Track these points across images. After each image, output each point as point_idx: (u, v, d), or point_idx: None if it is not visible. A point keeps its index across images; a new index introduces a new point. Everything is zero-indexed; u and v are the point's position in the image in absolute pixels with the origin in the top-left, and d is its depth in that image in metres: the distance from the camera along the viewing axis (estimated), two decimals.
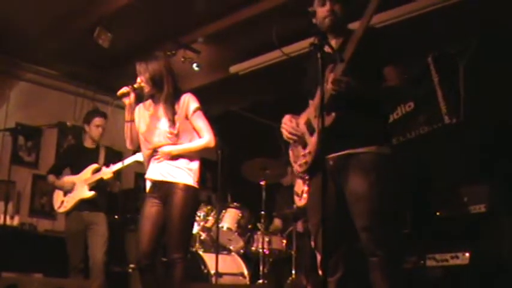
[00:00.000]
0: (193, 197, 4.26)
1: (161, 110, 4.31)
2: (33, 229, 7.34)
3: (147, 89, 4.33)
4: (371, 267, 3.24)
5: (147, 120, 4.39)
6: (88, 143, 6.14)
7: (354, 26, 3.43)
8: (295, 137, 3.58)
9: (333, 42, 3.44)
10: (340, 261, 3.36)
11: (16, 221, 7.08)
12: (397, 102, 6.61)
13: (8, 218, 6.42)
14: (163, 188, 4.23)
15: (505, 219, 5.17)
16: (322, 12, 3.45)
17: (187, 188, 4.21)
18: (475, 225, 5.26)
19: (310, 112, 3.50)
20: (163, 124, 4.28)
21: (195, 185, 4.27)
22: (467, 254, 5.07)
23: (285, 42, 5.03)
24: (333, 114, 3.24)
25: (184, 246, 4.25)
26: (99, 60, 7.55)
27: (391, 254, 3.25)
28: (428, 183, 6.11)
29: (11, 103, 7.64)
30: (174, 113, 4.26)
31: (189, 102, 4.30)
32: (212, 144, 4.32)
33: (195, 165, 4.31)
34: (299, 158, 3.57)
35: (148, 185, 4.38)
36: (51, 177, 6.12)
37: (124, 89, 4.31)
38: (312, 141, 3.43)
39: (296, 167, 3.63)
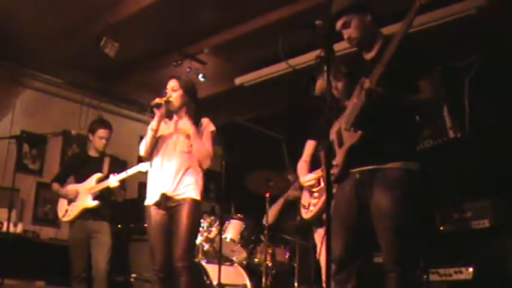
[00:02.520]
0: (198, 210, 4.52)
1: (185, 125, 4.58)
2: (36, 237, 7.33)
3: (176, 105, 4.62)
4: (388, 282, 3.23)
5: (166, 134, 4.63)
6: (92, 152, 6.15)
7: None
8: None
9: (368, 56, 3.48)
10: (352, 274, 3.36)
11: (19, 229, 7.07)
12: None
13: (11, 225, 6.43)
14: (171, 202, 4.45)
15: (508, 234, 5.16)
16: (346, 35, 3.47)
17: (193, 201, 4.45)
18: (478, 240, 5.26)
19: (342, 123, 3.48)
20: (183, 137, 4.56)
21: (199, 198, 4.52)
22: (470, 269, 5.05)
23: (290, 55, 5.05)
24: (360, 132, 3.25)
25: (188, 256, 4.43)
26: (105, 69, 7.58)
27: (410, 270, 3.24)
28: (432, 197, 6.09)
29: (17, 111, 7.66)
30: (199, 128, 4.60)
31: (208, 125, 4.67)
32: (207, 164, 4.62)
33: (200, 179, 4.59)
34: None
35: (154, 196, 4.52)
36: (55, 186, 6.12)
37: (158, 100, 4.55)
38: (340, 153, 3.45)
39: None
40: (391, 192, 3.23)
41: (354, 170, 3.36)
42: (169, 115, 4.68)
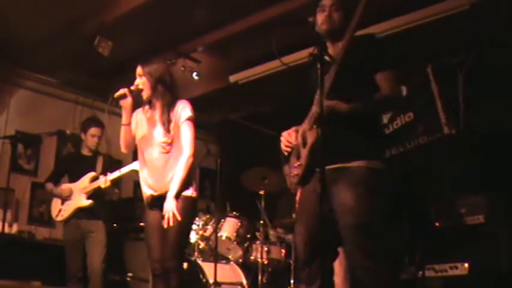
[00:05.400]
0: (190, 207, 4.25)
1: (157, 116, 4.31)
2: (31, 237, 7.31)
3: (145, 94, 4.31)
4: (358, 278, 3.24)
5: (145, 126, 4.38)
6: (86, 151, 6.16)
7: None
8: (289, 149, 3.63)
9: (332, 48, 3.47)
10: (318, 273, 3.38)
11: (14, 229, 7.05)
12: (391, 111, 6.61)
13: (6, 225, 6.41)
14: (161, 200, 4.24)
15: (503, 229, 5.17)
16: (320, 17, 3.48)
17: (184, 198, 4.21)
18: (473, 235, 5.26)
19: (306, 123, 3.52)
20: (158, 133, 4.28)
21: (192, 194, 4.27)
22: (466, 265, 5.07)
23: (284, 52, 5.05)
24: (317, 129, 3.25)
25: (179, 255, 4.25)
26: (99, 68, 7.57)
27: (379, 266, 3.25)
28: (427, 193, 6.10)
29: (11, 111, 7.63)
30: (169, 120, 4.25)
31: (182, 110, 4.28)
32: (191, 160, 4.23)
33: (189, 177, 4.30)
34: (292, 170, 3.60)
35: (144, 197, 4.38)
36: (49, 185, 6.11)
37: (121, 91, 4.27)
38: (304, 153, 3.46)
39: (291, 179, 3.66)
40: (355, 190, 3.25)
41: (319, 170, 3.32)
42: (146, 105, 4.41)
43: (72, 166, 6.14)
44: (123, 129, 4.38)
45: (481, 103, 6.09)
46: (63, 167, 6.36)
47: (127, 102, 4.28)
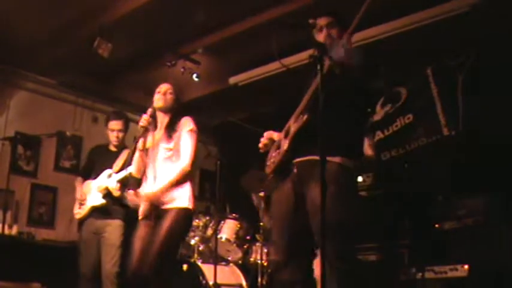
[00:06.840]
0: (184, 219, 4.32)
1: (164, 127, 4.48)
2: (31, 238, 7.30)
3: (160, 105, 4.49)
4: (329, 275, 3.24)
5: (152, 138, 4.47)
6: (111, 146, 5.90)
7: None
8: (267, 142, 3.78)
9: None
10: (298, 273, 3.39)
11: (14, 230, 7.04)
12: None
13: (6, 227, 6.40)
14: (158, 212, 4.29)
15: (503, 231, 5.17)
16: (320, 37, 3.57)
17: (179, 210, 4.27)
18: (473, 237, 5.26)
19: (292, 119, 3.60)
20: (163, 141, 4.41)
21: (189, 206, 4.33)
22: (466, 266, 5.06)
23: (284, 54, 5.05)
24: (305, 116, 3.29)
25: (158, 264, 4.15)
26: (99, 70, 7.57)
27: (347, 265, 3.27)
28: (426, 195, 6.10)
29: (11, 112, 7.62)
30: (174, 129, 4.42)
31: (185, 123, 4.46)
32: (188, 169, 4.34)
33: (187, 189, 4.36)
34: (269, 159, 3.69)
35: (142, 209, 4.40)
36: (77, 181, 5.93)
37: (144, 121, 4.41)
38: (285, 142, 3.53)
39: (267, 168, 3.74)
40: (327, 188, 3.17)
41: (294, 162, 3.42)
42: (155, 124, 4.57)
43: (98, 160, 5.88)
44: (139, 154, 4.48)
45: (480, 104, 6.10)
46: (90, 161, 6.09)
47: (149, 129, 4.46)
